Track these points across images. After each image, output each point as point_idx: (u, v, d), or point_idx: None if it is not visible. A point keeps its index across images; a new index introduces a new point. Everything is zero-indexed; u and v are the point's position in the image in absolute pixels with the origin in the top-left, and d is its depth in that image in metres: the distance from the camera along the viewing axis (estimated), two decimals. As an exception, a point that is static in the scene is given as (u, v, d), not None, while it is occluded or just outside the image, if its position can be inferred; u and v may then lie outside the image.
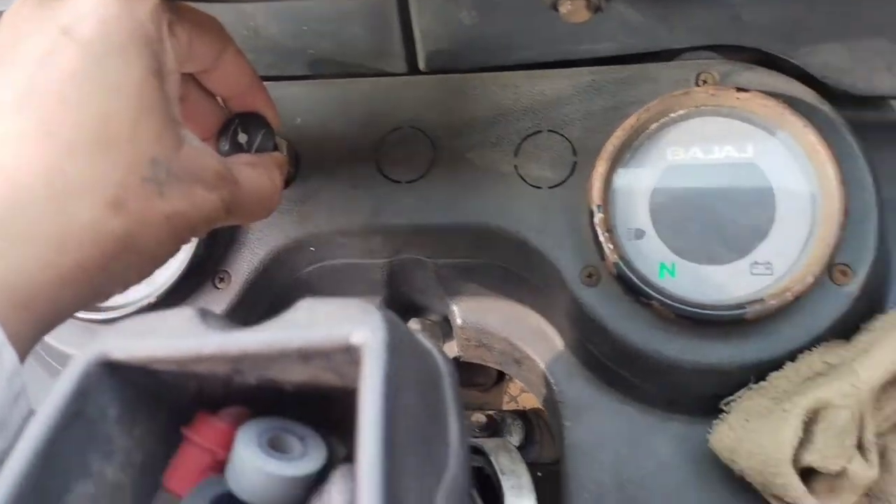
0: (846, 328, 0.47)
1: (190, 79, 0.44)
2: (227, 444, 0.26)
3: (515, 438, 0.66)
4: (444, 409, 0.28)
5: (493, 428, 0.66)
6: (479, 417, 0.65)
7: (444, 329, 0.60)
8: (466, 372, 0.69)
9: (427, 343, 0.29)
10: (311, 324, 0.24)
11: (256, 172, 0.44)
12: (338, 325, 0.23)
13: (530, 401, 0.63)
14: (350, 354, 0.23)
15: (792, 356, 0.46)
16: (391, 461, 0.20)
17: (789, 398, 0.45)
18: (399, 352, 0.23)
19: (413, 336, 0.27)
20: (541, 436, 0.66)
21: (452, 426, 0.28)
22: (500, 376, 0.69)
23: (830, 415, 0.43)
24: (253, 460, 0.24)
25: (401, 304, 0.59)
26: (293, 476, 0.24)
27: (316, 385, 0.26)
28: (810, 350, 0.46)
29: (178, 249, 0.40)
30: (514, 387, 0.71)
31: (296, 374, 0.26)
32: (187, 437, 0.26)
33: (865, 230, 0.47)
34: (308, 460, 0.25)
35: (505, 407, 0.70)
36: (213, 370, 0.25)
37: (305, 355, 0.24)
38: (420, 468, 0.23)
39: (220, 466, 0.26)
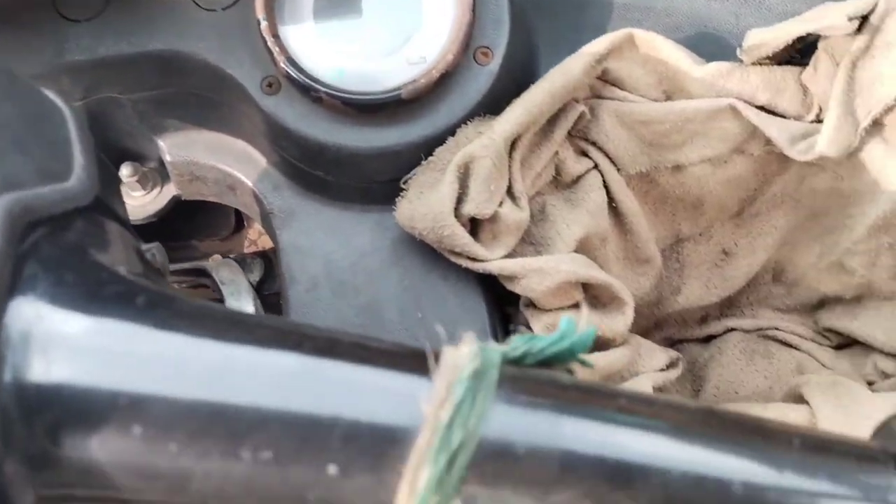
0: (495, 104, 0.54)
1: None
2: None
3: (256, 275, 0.70)
4: (66, 142, 0.31)
5: (234, 269, 0.70)
6: (217, 258, 0.69)
7: (162, 174, 0.63)
8: (205, 222, 0.72)
9: (48, 93, 0.32)
10: None
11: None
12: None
13: (268, 242, 0.68)
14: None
15: (452, 131, 0.54)
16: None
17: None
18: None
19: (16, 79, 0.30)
20: (279, 269, 0.71)
21: (77, 158, 0.31)
22: (239, 224, 0.73)
23: (476, 165, 0.50)
24: None
25: (114, 152, 0.61)
26: None
27: None
28: (466, 124, 0.54)
29: None
30: (253, 232, 0.75)
31: None
32: None
33: (500, 14, 0.54)
34: None
35: (245, 251, 0.74)
36: None
37: None
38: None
39: None
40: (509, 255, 0.54)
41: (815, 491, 0.24)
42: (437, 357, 0.26)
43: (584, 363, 0.31)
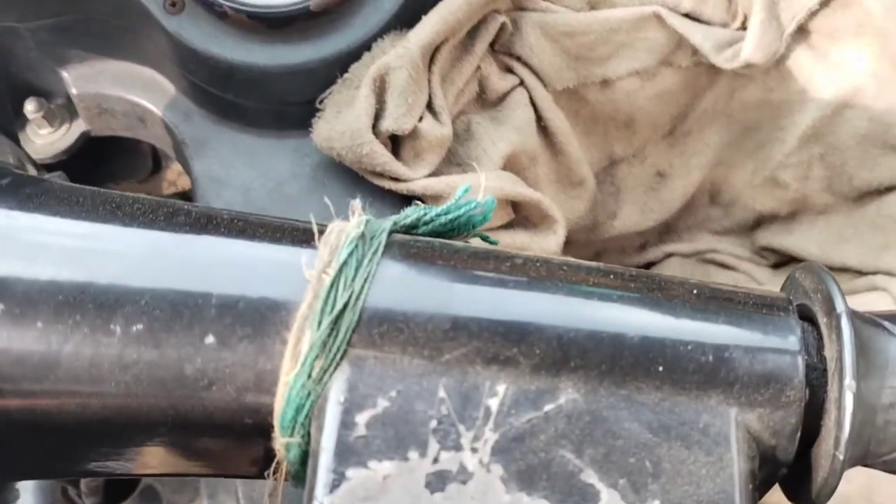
0: (412, 16, 0.52)
1: None
2: None
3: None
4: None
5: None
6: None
7: (70, 110, 0.60)
8: (121, 164, 0.69)
9: None
10: None
11: None
12: None
13: (188, 183, 0.65)
14: None
15: (368, 46, 0.52)
16: None
17: (367, 80, 0.51)
18: None
19: None
20: (195, 202, 0.69)
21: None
22: (157, 165, 0.71)
23: (392, 77, 0.48)
24: None
25: (20, 88, 0.58)
26: None
27: None
28: (382, 38, 0.52)
29: None
30: (172, 172, 0.72)
31: None
32: None
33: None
34: None
35: (165, 193, 0.72)
36: None
37: None
38: None
39: None
40: (433, 175, 0.52)
41: (714, 335, 0.23)
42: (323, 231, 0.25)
43: (484, 238, 0.30)
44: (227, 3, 0.48)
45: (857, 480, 0.51)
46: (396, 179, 0.51)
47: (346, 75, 0.51)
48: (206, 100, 0.54)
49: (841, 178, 0.59)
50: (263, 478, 0.26)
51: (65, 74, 0.56)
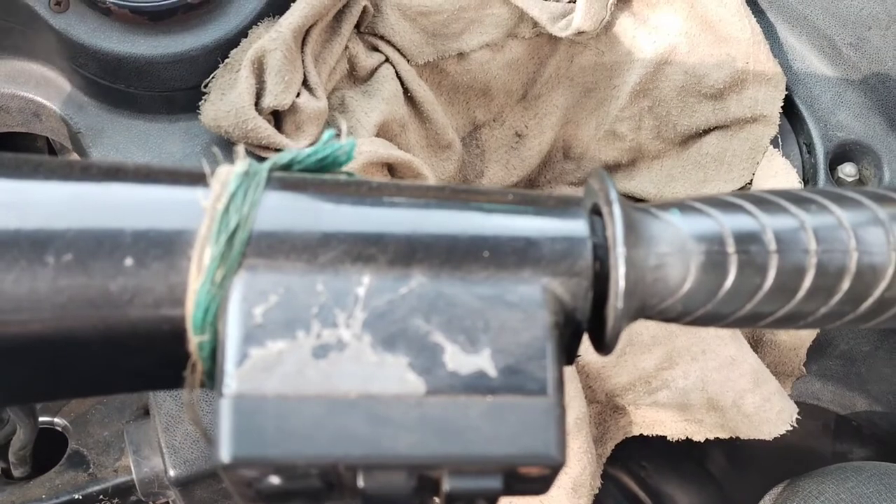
0: (283, 4, 0.58)
1: None
2: None
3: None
4: None
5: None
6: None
7: (-36, 110, 0.63)
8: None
9: None
10: None
11: None
12: None
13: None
14: None
15: (244, 33, 0.57)
16: None
17: (247, 64, 0.56)
18: None
19: None
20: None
21: None
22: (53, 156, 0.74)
23: (269, 59, 0.54)
24: None
25: None
26: None
27: None
28: (257, 25, 0.58)
29: None
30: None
31: None
32: None
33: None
34: None
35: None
36: None
37: None
38: None
39: None
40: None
41: (525, 226, 0.31)
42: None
43: (349, 175, 0.37)
44: (111, 0, 0.53)
45: (692, 375, 0.60)
46: (280, 150, 0.57)
47: (227, 60, 0.57)
48: (98, 91, 0.58)
49: (667, 126, 0.68)
50: (182, 386, 0.32)
51: (-45, 76, 0.59)
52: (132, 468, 0.57)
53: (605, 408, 0.65)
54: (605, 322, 0.31)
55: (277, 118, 0.57)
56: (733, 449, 1.01)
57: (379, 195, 0.32)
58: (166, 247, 0.29)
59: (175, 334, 0.30)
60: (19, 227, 0.29)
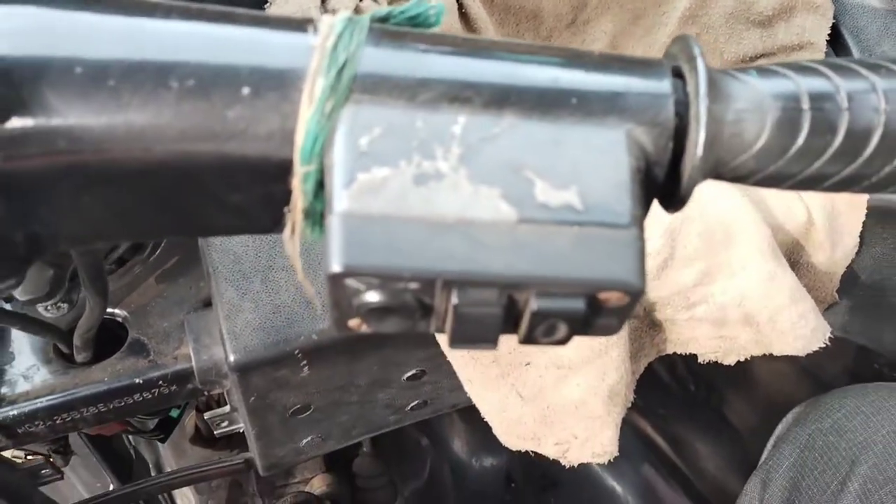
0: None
1: None
2: None
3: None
4: None
5: None
6: None
7: None
8: None
9: None
10: None
11: None
12: None
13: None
14: None
15: None
16: None
17: None
18: None
19: None
20: None
21: None
22: None
23: (337, -41, 0.56)
24: None
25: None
26: None
27: None
28: None
29: None
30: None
31: None
32: None
33: None
34: None
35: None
36: None
37: None
38: None
39: None
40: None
41: (612, 81, 0.33)
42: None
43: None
44: None
45: (731, 290, 0.62)
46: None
47: None
48: None
49: (714, 53, 0.70)
50: (274, 231, 0.34)
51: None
52: (191, 355, 0.59)
53: (643, 323, 0.67)
54: (680, 177, 0.33)
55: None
56: (750, 397, 1.04)
57: (474, 46, 0.34)
58: (280, 79, 0.31)
59: (281, 168, 0.32)
60: (144, 57, 0.31)
